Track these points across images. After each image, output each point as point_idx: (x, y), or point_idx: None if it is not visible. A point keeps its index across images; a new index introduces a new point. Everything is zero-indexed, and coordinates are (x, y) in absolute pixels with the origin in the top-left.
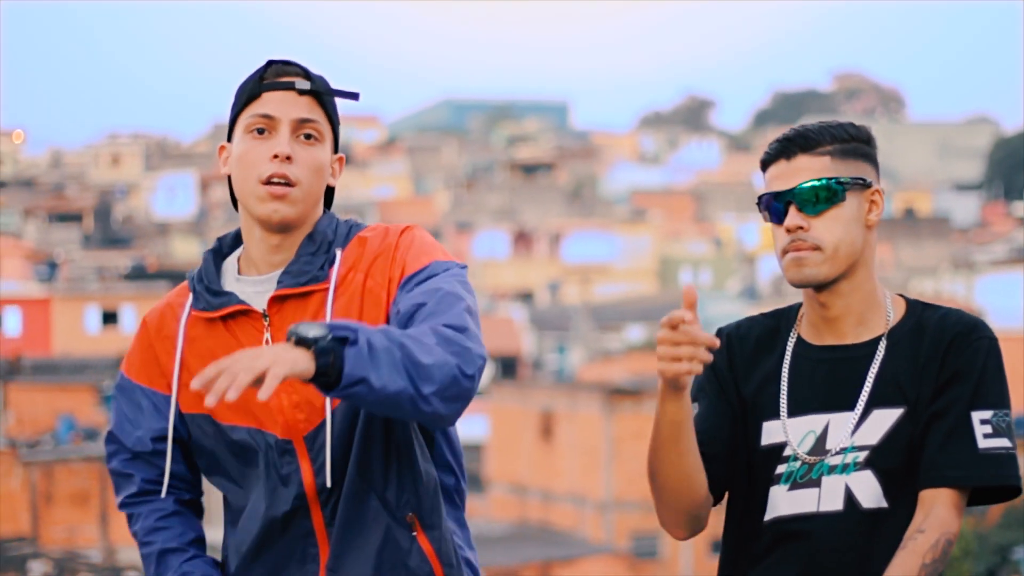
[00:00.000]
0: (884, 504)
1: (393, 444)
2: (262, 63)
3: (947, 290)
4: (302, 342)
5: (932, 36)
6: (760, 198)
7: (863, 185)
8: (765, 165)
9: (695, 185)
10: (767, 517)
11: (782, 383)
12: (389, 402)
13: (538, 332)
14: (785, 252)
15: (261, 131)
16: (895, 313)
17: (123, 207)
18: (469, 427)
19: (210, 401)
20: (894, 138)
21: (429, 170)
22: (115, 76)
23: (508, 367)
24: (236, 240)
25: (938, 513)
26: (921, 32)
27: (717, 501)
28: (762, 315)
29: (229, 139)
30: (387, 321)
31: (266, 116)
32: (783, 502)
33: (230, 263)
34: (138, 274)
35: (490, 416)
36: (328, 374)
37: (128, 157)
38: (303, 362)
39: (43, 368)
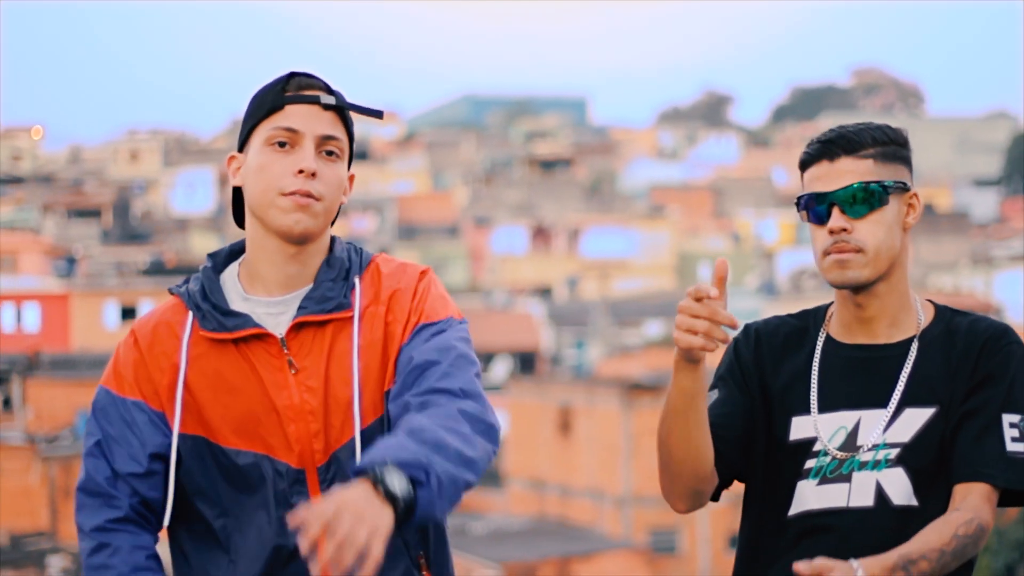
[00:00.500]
0: (914, 502)
1: None
2: (282, 73)
3: (966, 286)
4: (390, 497)
5: (950, 31)
6: (800, 198)
7: (903, 188)
8: (805, 165)
9: (713, 180)
10: (793, 511)
11: (812, 379)
12: (450, 511)
13: (556, 327)
14: (827, 253)
15: (283, 144)
16: (925, 316)
17: (142, 203)
18: None
19: (315, 572)
20: (913, 133)
21: (448, 165)
22: (134, 73)
23: (526, 362)
24: (230, 257)
25: (973, 501)
26: (940, 27)
27: (724, 485)
28: (789, 315)
29: (240, 149)
30: (396, 358)
31: (290, 130)
32: (811, 496)
33: (230, 280)
34: (156, 270)
35: (508, 411)
36: (406, 514)
37: (147, 153)
38: (389, 518)
39: (61, 364)
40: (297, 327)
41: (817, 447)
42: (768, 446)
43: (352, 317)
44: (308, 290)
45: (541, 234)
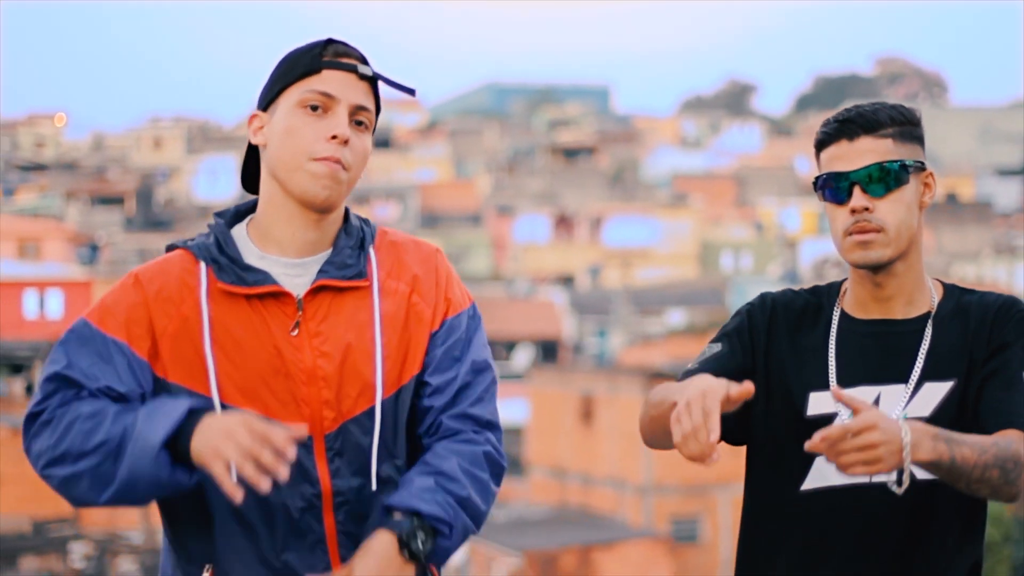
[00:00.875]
0: (934, 476)
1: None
2: (320, 38)
3: (989, 275)
4: (414, 557)
5: (974, 20)
6: (818, 178)
7: (921, 167)
8: (823, 145)
9: (736, 169)
10: (811, 486)
11: (830, 355)
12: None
13: (579, 316)
14: (848, 233)
15: (315, 108)
16: (937, 294)
17: (165, 190)
18: (509, 411)
19: None
20: (936, 123)
21: (470, 154)
22: (157, 62)
23: (548, 351)
24: (236, 217)
25: (1010, 435)
26: (963, 16)
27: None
28: (803, 290)
29: (264, 108)
30: (428, 343)
31: (326, 94)
32: (832, 472)
33: (242, 239)
34: None
35: (530, 400)
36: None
37: (170, 140)
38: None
39: None
40: (316, 290)
41: (838, 422)
42: (782, 419)
43: (370, 287)
44: (327, 255)
45: (564, 223)
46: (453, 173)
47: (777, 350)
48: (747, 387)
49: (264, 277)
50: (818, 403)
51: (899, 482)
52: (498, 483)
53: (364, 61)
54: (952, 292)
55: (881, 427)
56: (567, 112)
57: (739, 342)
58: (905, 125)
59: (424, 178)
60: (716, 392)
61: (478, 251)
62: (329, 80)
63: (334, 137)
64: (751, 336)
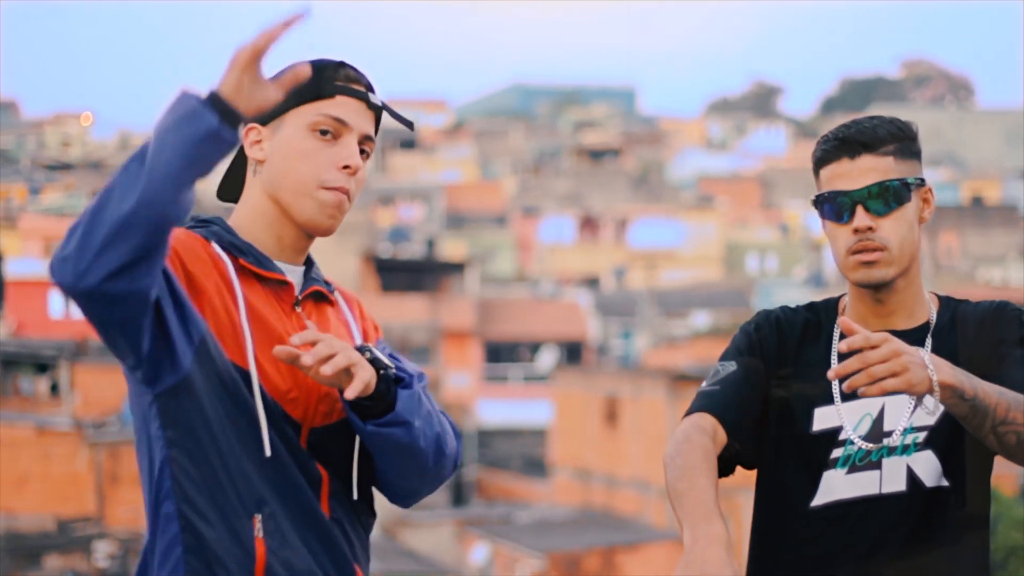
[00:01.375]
0: (945, 483)
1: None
2: (328, 58)
3: (1015, 278)
4: (375, 362)
5: (1001, 22)
6: (818, 197)
7: (921, 184)
8: (822, 163)
9: (762, 172)
10: (821, 501)
11: (833, 365)
12: (411, 453)
13: (603, 317)
14: (850, 252)
15: (325, 132)
16: (934, 306)
17: None
18: (533, 412)
19: (306, 360)
20: (963, 126)
21: (496, 155)
22: (180, 62)
23: (573, 352)
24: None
25: None
26: (990, 18)
27: (725, 474)
28: (800, 307)
29: (264, 122)
30: None
31: (340, 121)
32: (842, 486)
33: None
34: None
35: (554, 401)
36: (377, 404)
37: None
38: (370, 375)
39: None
40: (308, 295)
41: (843, 436)
42: (788, 437)
43: (339, 303)
44: (304, 269)
45: (589, 224)
46: (478, 174)
47: (783, 368)
48: None
49: (273, 266)
50: (823, 418)
51: (930, 392)
52: (459, 459)
53: (371, 88)
54: (948, 304)
55: (898, 341)
56: (593, 113)
57: (752, 363)
58: (904, 141)
59: (449, 179)
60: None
61: (503, 252)
62: (343, 106)
63: (346, 167)
64: (763, 355)
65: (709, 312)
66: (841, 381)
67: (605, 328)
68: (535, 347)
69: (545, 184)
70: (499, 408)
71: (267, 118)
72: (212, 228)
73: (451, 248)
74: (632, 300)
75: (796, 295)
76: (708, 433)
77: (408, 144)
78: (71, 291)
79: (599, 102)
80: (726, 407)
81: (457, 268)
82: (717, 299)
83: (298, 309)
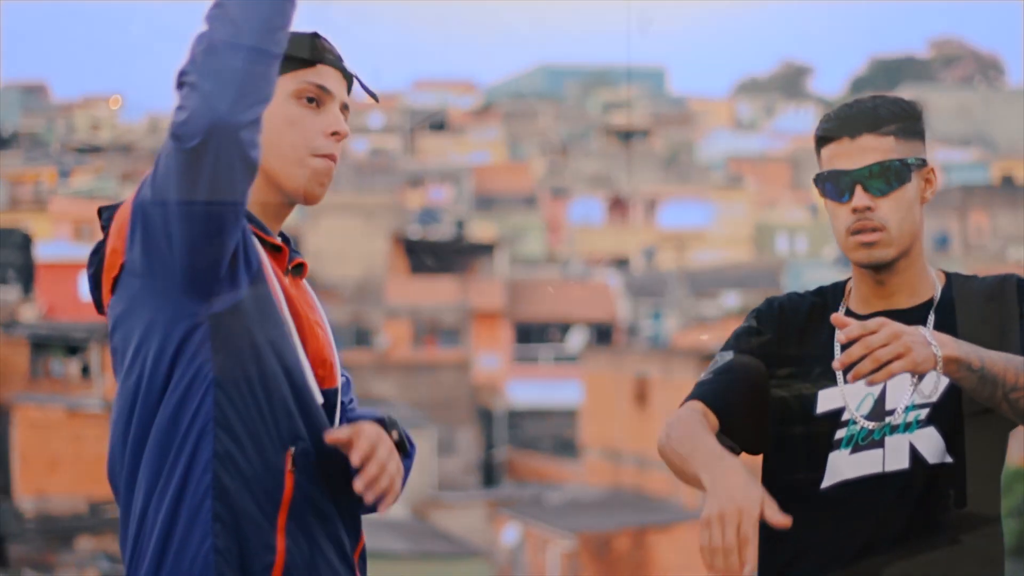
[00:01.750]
0: (948, 459)
1: None
2: (299, 29)
3: None
4: (400, 446)
5: None
6: (819, 176)
7: (922, 164)
8: (824, 142)
9: (792, 152)
10: (828, 483)
11: (836, 352)
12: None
13: (633, 298)
14: (850, 232)
15: (311, 100)
16: (940, 283)
17: None
18: (563, 393)
19: (359, 487)
20: (992, 106)
21: (525, 136)
22: None
23: (603, 333)
24: None
25: None
26: None
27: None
28: (808, 292)
29: None
30: None
31: (324, 88)
32: (846, 466)
33: None
34: None
35: (585, 382)
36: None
37: None
38: (399, 483)
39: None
40: (294, 266)
41: (845, 416)
42: (793, 421)
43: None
44: (282, 239)
45: (618, 205)
46: (507, 155)
47: (786, 354)
48: (785, 520)
49: (271, 232)
50: (827, 400)
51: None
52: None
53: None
54: (954, 280)
55: (896, 323)
56: (621, 95)
57: (749, 352)
58: (908, 121)
59: (478, 160)
60: (752, 514)
61: (532, 234)
62: (325, 74)
63: (334, 134)
64: (762, 344)
65: (739, 293)
66: (846, 373)
67: (635, 309)
68: (564, 328)
69: (574, 165)
70: (529, 389)
71: None
72: None
73: (480, 229)
74: (662, 281)
75: (826, 275)
76: (699, 415)
77: (437, 126)
78: (224, 126)
79: (628, 83)
80: (716, 395)
81: (487, 249)
82: (747, 280)
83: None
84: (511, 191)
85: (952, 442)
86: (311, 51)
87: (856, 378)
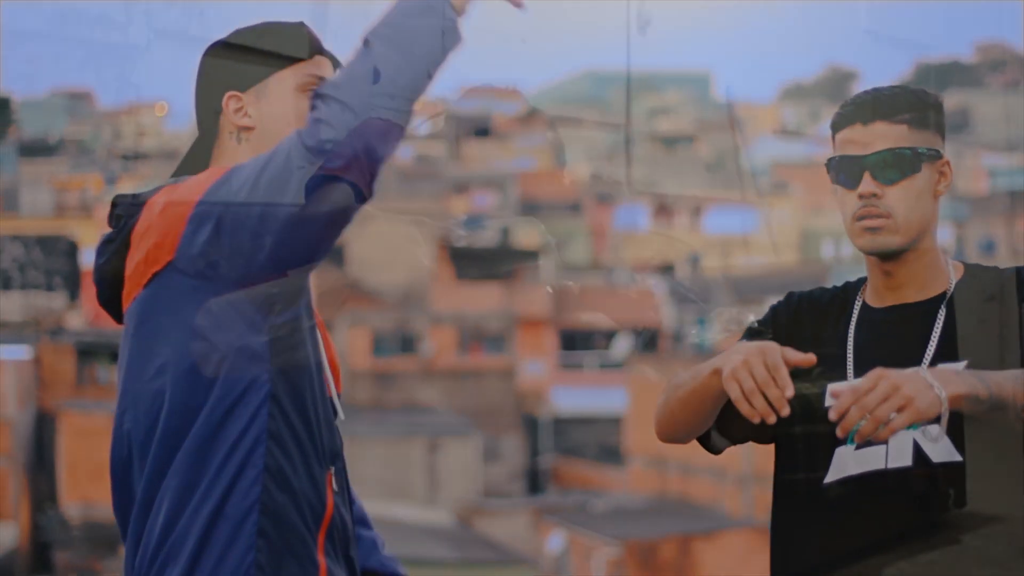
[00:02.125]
0: (957, 457)
1: None
2: (289, 20)
3: None
4: None
5: None
6: (830, 160)
7: (936, 156)
8: (838, 127)
9: None
10: (831, 478)
11: (848, 346)
12: None
13: (678, 305)
14: (856, 218)
15: None
16: (955, 275)
17: None
18: (608, 400)
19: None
20: None
21: (570, 142)
22: None
23: (648, 340)
24: None
25: None
26: None
27: (735, 442)
28: (833, 286)
29: (243, 89)
30: None
31: (324, 80)
32: (850, 462)
33: None
34: None
35: (629, 389)
36: None
37: None
38: None
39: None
40: None
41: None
42: (804, 414)
43: None
44: None
45: (663, 211)
46: (552, 162)
47: (799, 346)
48: (809, 357)
49: None
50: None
51: (937, 421)
52: None
53: None
54: (972, 271)
55: (892, 373)
56: (667, 100)
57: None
58: (925, 111)
59: (524, 166)
60: (772, 347)
61: (577, 240)
62: (322, 66)
63: None
64: (774, 333)
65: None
66: (856, 367)
67: (680, 315)
68: (610, 335)
69: (619, 171)
70: (574, 396)
71: (247, 84)
72: None
73: (525, 236)
74: (707, 287)
75: None
76: None
77: (482, 132)
78: (372, 158)
79: (673, 88)
80: None
81: (531, 256)
82: (792, 285)
83: None
84: (556, 197)
85: (958, 440)
86: (309, 43)
87: (860, 440)
